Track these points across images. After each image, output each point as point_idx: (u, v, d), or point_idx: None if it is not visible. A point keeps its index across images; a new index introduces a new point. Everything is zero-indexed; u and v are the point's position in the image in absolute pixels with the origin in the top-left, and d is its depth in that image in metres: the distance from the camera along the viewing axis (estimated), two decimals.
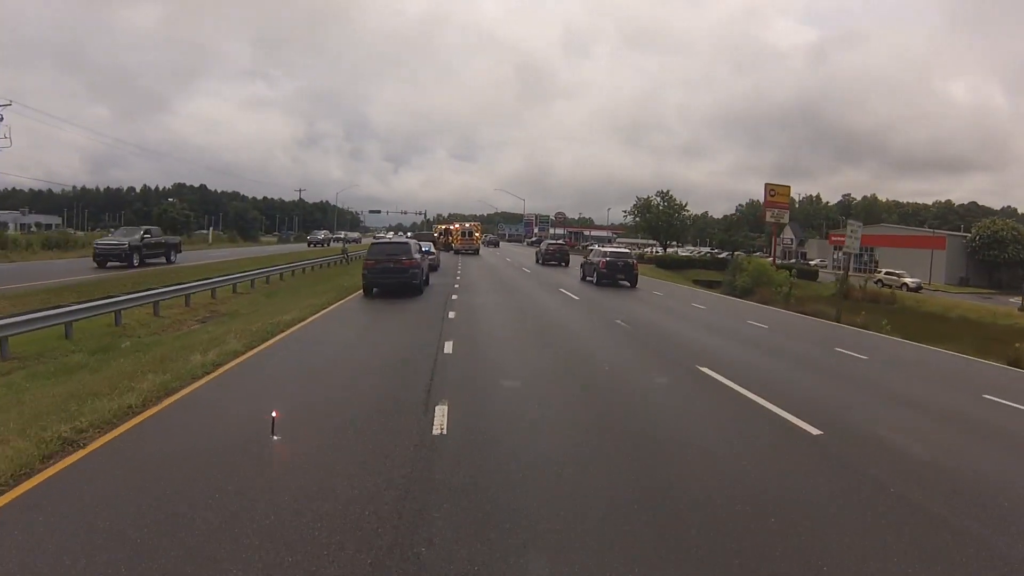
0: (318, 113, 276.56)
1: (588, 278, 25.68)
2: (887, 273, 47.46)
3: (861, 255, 65.00)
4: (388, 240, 20.15)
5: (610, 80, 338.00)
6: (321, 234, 68.76)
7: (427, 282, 20.44)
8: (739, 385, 7.67)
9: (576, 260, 34.89)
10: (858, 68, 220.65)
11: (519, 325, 13.09)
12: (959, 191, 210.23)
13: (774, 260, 42.14)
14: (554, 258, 37.12)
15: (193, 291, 16.60)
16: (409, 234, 56.78)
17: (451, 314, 13.40)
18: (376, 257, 17.21)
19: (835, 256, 69.89)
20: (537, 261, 38.41)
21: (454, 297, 17.11)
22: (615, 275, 24.59)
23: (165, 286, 15.89)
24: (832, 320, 18.47)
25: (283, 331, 10.74)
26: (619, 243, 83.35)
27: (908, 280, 44.17)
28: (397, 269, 16.99)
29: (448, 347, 9.40)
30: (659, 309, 17.72)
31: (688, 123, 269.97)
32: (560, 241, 49.76)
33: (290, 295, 18.61)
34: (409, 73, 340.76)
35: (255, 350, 9.04)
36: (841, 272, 49.17)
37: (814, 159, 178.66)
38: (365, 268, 17.20)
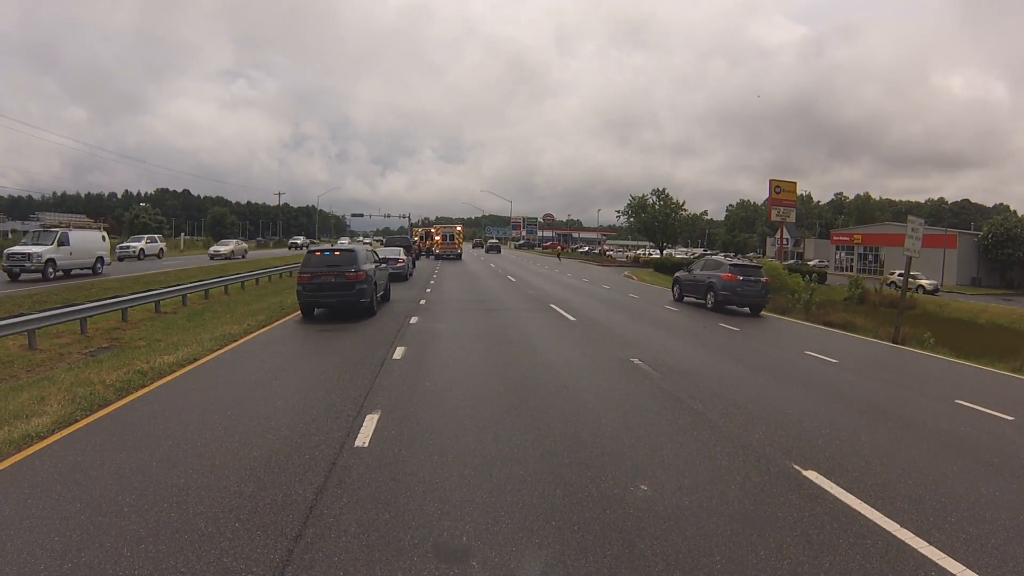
0: (303, 114, 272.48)
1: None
2: (900, 275, 44.33)
3: (866, 255, 62.06)
4: (329, 248, 15.99)
5: (599, 78, 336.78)
6: (299, 239, 66.57)
7: (387, 297, 16.68)
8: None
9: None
10: (852, 63, 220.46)
11: (496, 374, 8.28)
12: (951, 188, 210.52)
13: (781, 262, 39.07)
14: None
15: (91, 314, 12.80)
16: (382, 239, 52.42)
17: (398, 351, 9.57)
18: (312, 270, 13.36)
19: (837, 256, 66.90)
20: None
21: (413, 320, 13.27)
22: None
23: (50, 308, 12.18)
24: (884, 339, 14.96)
25: (145, 386, 7.34)
26: (608, 244, 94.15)
27: (924, 282, 41.01)
28: (340, 284, 13.20)
29: (364, 430, 5.59)
30: (686, 333, 14.05)
31: (678, 121, 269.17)
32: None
33: (217, 316, 14.68)
34: (395, 73, 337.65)
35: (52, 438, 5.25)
36: (854, 274, 46.17)
37: (806, 157, 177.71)
38: (299, 283, 13.42)
